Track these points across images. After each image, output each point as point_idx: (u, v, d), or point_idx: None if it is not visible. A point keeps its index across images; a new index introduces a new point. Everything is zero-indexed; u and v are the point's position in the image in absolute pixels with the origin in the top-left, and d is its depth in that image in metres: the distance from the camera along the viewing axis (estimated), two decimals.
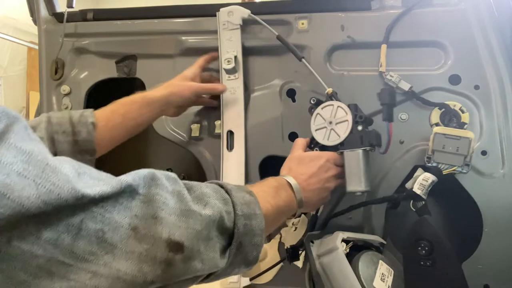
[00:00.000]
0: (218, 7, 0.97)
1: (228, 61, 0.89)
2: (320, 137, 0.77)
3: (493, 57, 0.83)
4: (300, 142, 0.78)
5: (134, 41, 1.00)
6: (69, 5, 1.00)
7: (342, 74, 0.86)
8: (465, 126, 0.81)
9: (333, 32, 0.90)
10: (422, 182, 0.75)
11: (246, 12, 0.91)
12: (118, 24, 1.01)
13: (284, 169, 0.73)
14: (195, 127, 0.97)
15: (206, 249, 0.43)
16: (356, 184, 0.72)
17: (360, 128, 0.73)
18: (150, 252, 0.37)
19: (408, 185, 0.78)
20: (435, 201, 0.89)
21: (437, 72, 0.85)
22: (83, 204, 0.33)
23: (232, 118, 0.91)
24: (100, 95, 1.07)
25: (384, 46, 0.86)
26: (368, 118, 0.77)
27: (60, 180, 0.31)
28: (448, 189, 0.81)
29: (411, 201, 0.76)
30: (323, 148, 0.77)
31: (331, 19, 0.90)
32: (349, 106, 0.75)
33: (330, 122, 0.76)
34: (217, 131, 0.94)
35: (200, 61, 0.90)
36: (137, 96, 0.80)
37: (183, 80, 0.85)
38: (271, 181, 0.65)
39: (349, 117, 0.74)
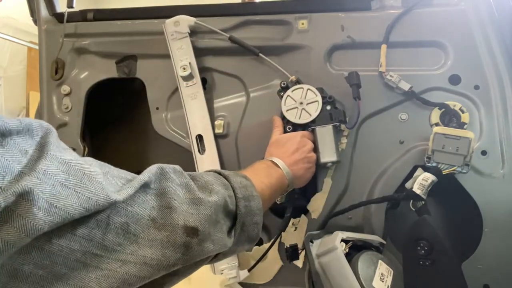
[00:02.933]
0: (218, 6, 0.97)
1: (184, 68, 0.92)
2: (291, 117, 0.84)
3: (493, 57, 0.83)
4: (278, 122, 0.84)
5: (134, 41, 1.00)
6: (69, 5, 1.00)
7: (342, 74, 0.86)
8: (465, 126, 0.81)
9: (333, 32, 0.90)
10: (422, 182, 0.75)
11: (192, 20, 0.94)
12: (118, 24, 1.01)
13: (266, 155, 0.79)
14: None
15: (215, 231, 0.48)
16: (329, 155, 0.81)
17: (328, 107, 0.83)
18: (170, 238, 0.41)
19: (408, 185, 0.78)
20: (435, 201, 0.89)
21: (437, 72, 0.85)
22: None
23: (199, 123, 0.93)
24: (100, 95, 1.07)
25: (384, 46, 0.86)
26: (335, 99, 0.85)
27: (96, 188, 0.35)
28: (448, 189, 0.81)
29: (411, 201, 0.76)
30: (294, 126, 0.84)
31: (331, 19, 0.90)
32: (316, 88, 0.84)
33: (301, 103, 0.84)
34: (217, 131, 0.94)
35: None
36: None
37: None
38: (259, 164, 0.71)
39: (319, 98, 0.83)
